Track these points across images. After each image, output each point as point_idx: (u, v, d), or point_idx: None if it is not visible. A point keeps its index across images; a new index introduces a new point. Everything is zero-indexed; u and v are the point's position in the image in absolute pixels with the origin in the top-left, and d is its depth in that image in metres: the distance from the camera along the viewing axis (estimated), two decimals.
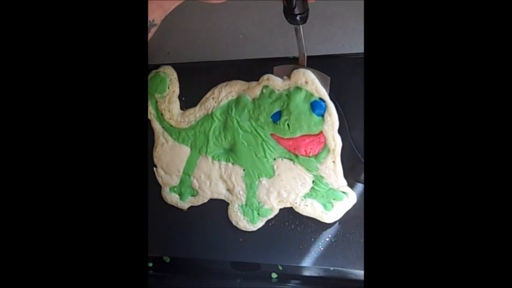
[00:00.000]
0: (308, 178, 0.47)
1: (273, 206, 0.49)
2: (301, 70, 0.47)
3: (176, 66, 0.53)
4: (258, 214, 0.49)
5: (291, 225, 0.49)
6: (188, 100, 0.52)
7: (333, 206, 0.47)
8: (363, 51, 0.46)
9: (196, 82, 0.52)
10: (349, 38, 0.49)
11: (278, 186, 0.48)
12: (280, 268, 0.52)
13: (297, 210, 0.48)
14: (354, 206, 0.47)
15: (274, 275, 0.52)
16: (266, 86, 0.48)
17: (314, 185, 0.47)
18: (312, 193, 0.48)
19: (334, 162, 0.46)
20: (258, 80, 0.49)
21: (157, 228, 0.53)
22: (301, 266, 0.50)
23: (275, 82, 0.48)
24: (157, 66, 0.53)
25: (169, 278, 0.55)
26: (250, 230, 0.50)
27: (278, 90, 0.48)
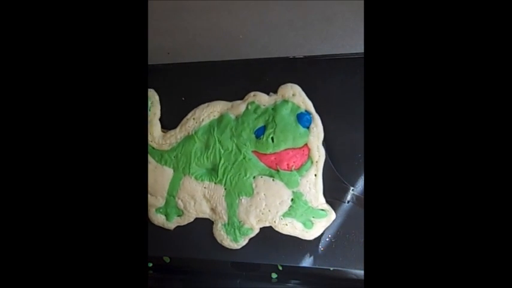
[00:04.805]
0: (287, 196, 0.47)
1: (253, 225, 0.49)
2: (289, 84, 0.48)
3: (176, 67, 0.53)
4: (240, 233, 0.49)
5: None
6: (188, 101, 0.52)
7: (313, 223, 0.47)
8: (362, 51, 0.47)
9: (196, 82, 0.52)
10: (349, 38, 0.49)
11: (257, 205, 0.48)
12: (280, 268, 0.52)
13: (276, 229, 0.48)
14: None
15: (274, 275, 0.52)
16: (252, 102, 0.49)
17: (293, 203, 0.47)
18: (290, 212, 0.47)
19: (316, 175, 0.47)
20: (258, 83, 0.49)
21: (157, 228, 0.53)
22: (301, 266, 0.49)
23: (261, 98, 0.49)
24: (156, 67, 0.53)
25: (169, 278, 0.55)
26: (235, 248, 0.50)
27: (264, 105, 0.48)
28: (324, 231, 0.48)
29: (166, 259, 0.55)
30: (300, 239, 0.48)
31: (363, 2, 0.30)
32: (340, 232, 0.48)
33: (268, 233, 0.49)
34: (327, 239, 0.48)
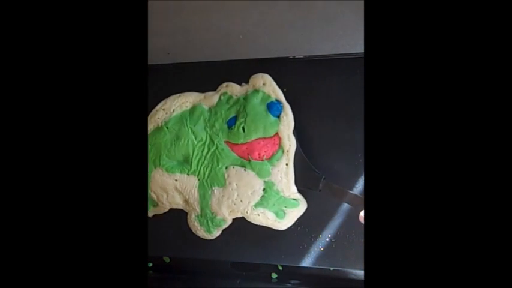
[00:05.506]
0: (258, 186, 0.47)
1: (225, 216, 0.49)
2: (260, 74, 0.48)
3: (176, 66, 0.53)
4: (213, 224, 0.49)
5: (291, 225, 0.49)
6: None
7: (285, 213, 0.48)
8: (362, 51, 0.47)
9: (197, 82, 0.52)
10: (349, 38, 0.49)
11: (229, 195, 0.48)
12: (280, 268, 0.52)
13: (248, 219, 0.48)
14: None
15: (274, 275, 0.52)
16: (224, 93, 0.49)
17: (265, 193, 0.47)
18: (262, 202, 0.47)
19: (287, 164, 0.47)
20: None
21: (157, 228, 0.53)
22: (301, 266, 0.50)
23: (234, 88, 0.49)
24: (156, 67, 0.53)
25: (169, 278, 0.55)
26: (209, 239, 0.50)
27: (236, 95, 0.48)
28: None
29: (166, 259, 0.55)
30: (299, 238, 0.48)
31: (363, 2, 0.30)
32: (340, 232, 0.48)
33: (268, 233, 0.49)
34: (327, 239, 0.48)
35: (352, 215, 0.47)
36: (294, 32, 0.50)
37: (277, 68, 0.49)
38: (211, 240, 0.51)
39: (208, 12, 0.52)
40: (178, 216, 0.52)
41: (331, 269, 0.50)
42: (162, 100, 0.52)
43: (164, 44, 0.53)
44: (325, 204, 0.48)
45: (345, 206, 0.48)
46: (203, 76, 0.52)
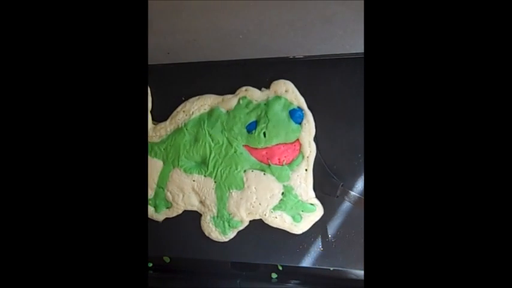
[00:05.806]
0: (277, 190, 0.48)
1: (243, 217, 0.49)
2: (282, 80, 0.48)
3: (176, 67, 0.53)
4: (229, 225, 0.50)
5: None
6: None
7: (301, 217, 0.48)
8: (363, 51, 0.47)
9: (196, 82, 0.52)
10: (349, 38, 0.49)
11: (247, 198, 0.49)
12: (280, 268, 0.52)
13: (266, 222, 0.49)
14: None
15: (274, 275, 0.52)
16: (243, 97, 0.49)
17: (283, 196, 0.48)
18: (281, 205, 0.48)
19: (306, 170, 0.47)
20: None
21: (158, 228, 0.53)
22: (301, 266, 0.50)
23: (253, 93, 0.49)
24: (156, 67, 0.53)
25: (169, 278, 0.55)
26: (222, 241, 0.51)
27: (256, 100, 0.49)
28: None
29: (166, 259, 0.55)
30: (300, 238, 0.48)
31: (363, 2, 0.30)
32: (340, 232, 0.48)
33: (268, 233, 0.49)
34: (327, 239, 0.48)
35: (352, 215, 0.47)
36: (294, 32, 0.50)
37: (277, 68, 0.49)
38: (211, 240, 0.51)
39: (208, 12, 0.52)
40: (178, 216, 0.52)
41: (331, 269, 0.50)
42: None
43: (164, 44, 0.53)
44: (325, 204, 0.48)
45: (345, 206, 0.48)
46: (203, 76, 0.52)
